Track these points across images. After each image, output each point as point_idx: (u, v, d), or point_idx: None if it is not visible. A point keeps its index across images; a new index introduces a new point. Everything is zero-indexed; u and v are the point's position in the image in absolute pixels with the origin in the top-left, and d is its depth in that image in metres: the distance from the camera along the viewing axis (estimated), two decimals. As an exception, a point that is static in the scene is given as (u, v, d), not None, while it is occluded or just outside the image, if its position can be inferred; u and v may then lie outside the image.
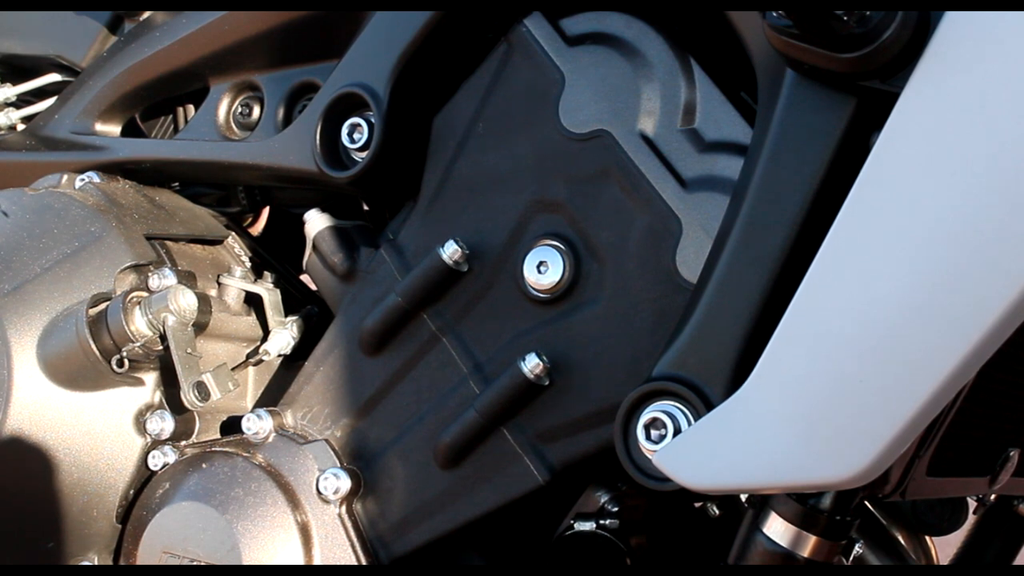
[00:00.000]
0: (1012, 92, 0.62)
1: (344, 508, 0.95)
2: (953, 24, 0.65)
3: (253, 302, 1.13)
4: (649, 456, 0.78)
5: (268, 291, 1.12)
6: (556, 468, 0.89)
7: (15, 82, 1.36)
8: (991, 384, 0.84)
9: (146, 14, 1.22)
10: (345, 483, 0.95)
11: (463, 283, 0.94)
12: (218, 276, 1.12)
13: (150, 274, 1.05)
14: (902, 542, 1.23)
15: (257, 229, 1.33)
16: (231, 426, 1.06)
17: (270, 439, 0.99)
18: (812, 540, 0.80)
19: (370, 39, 0.99)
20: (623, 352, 0.86)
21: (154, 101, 1.22)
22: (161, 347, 1.01)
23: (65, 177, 1.14)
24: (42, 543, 1.03)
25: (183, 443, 1.04)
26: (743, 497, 0.92)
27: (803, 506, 0.80)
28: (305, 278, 1.14)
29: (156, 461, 1.03)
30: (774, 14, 0.69)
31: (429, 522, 0.93)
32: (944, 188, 0.63)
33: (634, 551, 1.04)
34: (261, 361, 1.09)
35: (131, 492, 1.03)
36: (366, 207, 1.19)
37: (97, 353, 0.99)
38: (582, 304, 0.88)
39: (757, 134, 0.76)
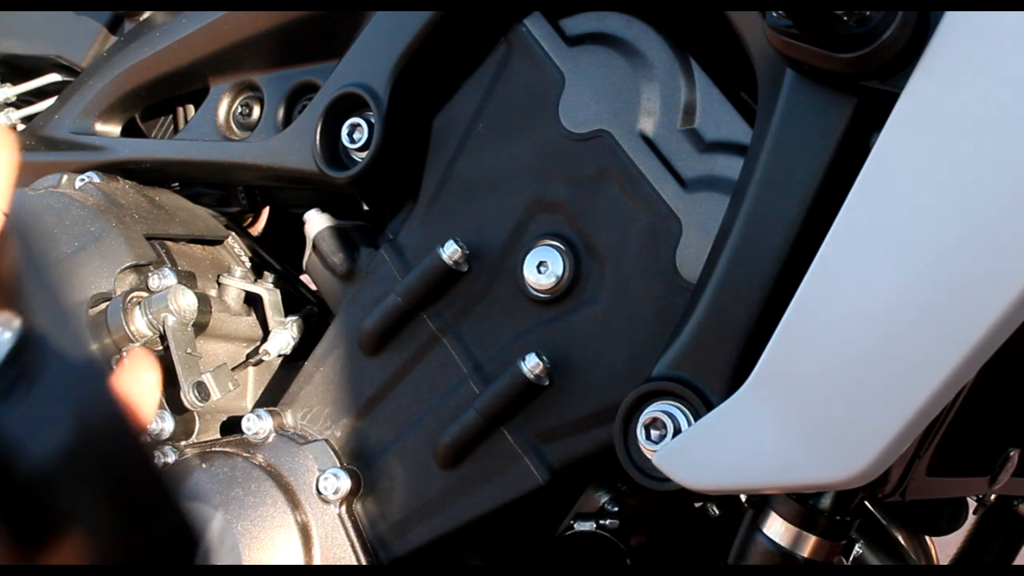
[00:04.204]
0: (1012, 92, 0.62)
1: (344, 508, 0.95)
2: (953, 24, 0.65)
3: (253, 302, 1.13)
4: (649, 456, 0.78)
5: (268, 291, 1.12)
6: (556, 468, 0.89)
7: (15, 82, 1.36)
8: (991, 384, 0.84)
9: (146, 14, 1.22)
10: (345, 483, 0.95)
11: (463, 283, 0.94)
12: (218, 276, 1.13)
13: (150, 274, 1.05)
14: (902, 542, 1.23)
15: (257, 229, 1.33)
16: (231, 426, 1.06)
17: (270, 439, 0.99)
18: (812, 540, 0.80)
19: (370, 39, 0.99)
20: (623, 352, 0.86)
21: (154, 101, 1.22)
22: (161, 347, 1.01)
23: (65, 177, 1.14)
24: (42, 543, 1.03)
25: (183, 443, 1.04)
26: (743, 497, 0.92)
27: (803, 506, 0.80)
28: (305, 278, 1.14)
29: (156, 461, 1.02)
30: (774, 14, 0.69)
31: (429, 522, 0.93)
32: (944, 188, 0.63)
33: (634, 551, 1.04)
34: (261, 361, 1.09)
35: (131, 492, 1.03)
36: (366, 207, 1.19)
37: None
38: (582, 304, 0.88)
39: (757, 134, 0.76)
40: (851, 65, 0.68)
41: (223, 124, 1.16)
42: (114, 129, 1.22)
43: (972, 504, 1.27)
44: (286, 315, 1.12)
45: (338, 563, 0.94)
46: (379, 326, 0.96)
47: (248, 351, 1.10)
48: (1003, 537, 1.29)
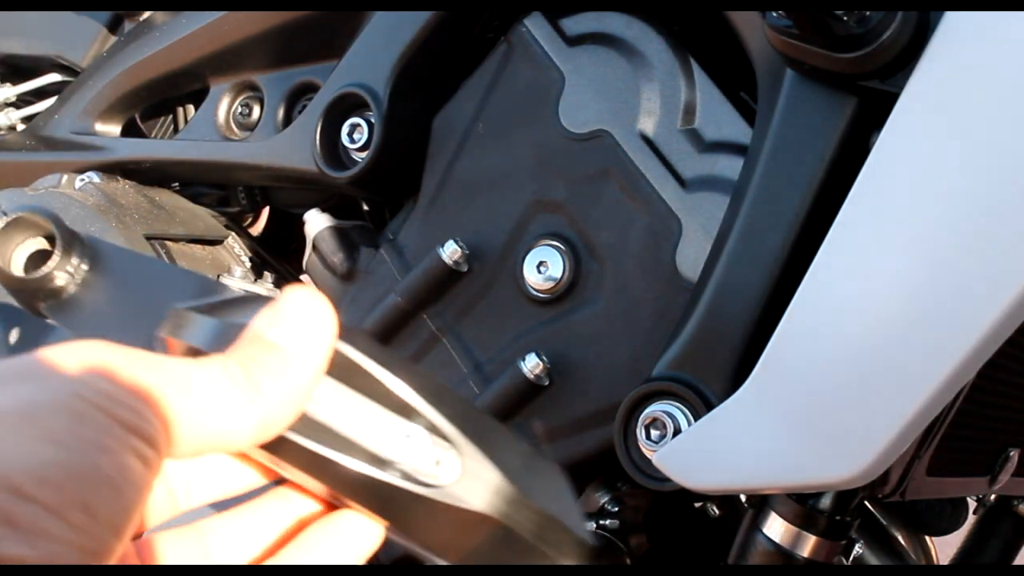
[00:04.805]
0: (1012, 92, 0.62)
1: (344, 508, 0.95)
2: (953, 24, 0.65)
3: (253, 302, 1.13)
4: (649, 456, 0.78)
5: (268, 291, 1.12)
6: (556, 468, 0.89)
7: (15, 82, 1.36)
8: (991, 384, 0.84)
9: (146, 14, 1.22)
10: (345, 483, 0.94)
11: (463, 283, 0.94)
12: (218, 276, 1.12)
13: (150, 274, 1.05)
14: (902, 542, 1.23)
15: (257, 229, 1.33)
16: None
17: (270, 439, 0.99)
18: (812, 540, 0.80)
19: (370, 39, 0.99)
20: (623, 352, 0.86)
21: (154, 101, 1.22)
22: (161, 347, 1.01)
23: (65, 177, 1.14)
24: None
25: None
26: (743, 497, 0.92)
27: (803, 506, 0.80)
28: (305, 278, 1.14)
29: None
30: (774, 14, 0.69)
31: (429, 522, 0.93)
32: (944, 188, 0.63)
33: (634, 551, 1.04)
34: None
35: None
36: (366, 207, 1.19)
37: (97, 353, 0.99)
38: (582, 304, 0.88)
39: (757, 134, 0.76)
40: (851, 65, 0.68)
41: (223, 124, 1.16)
42: (114, 129, 1.22)
43: (972, 504, 1.27)
44: (286, 315, 1.11)
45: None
46: (379, 326, 0.96)
47: (248, 351, 1.10)
48: (1003, 537, 1.28)
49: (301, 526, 0.44)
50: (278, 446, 0.40)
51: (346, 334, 0.41)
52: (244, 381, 0.38)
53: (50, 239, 0.51)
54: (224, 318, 0.42)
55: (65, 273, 0.51)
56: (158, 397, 0.36)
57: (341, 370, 0.41)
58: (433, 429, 0.41)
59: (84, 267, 0.51)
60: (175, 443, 0.36)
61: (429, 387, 0.41)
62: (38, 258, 0.52)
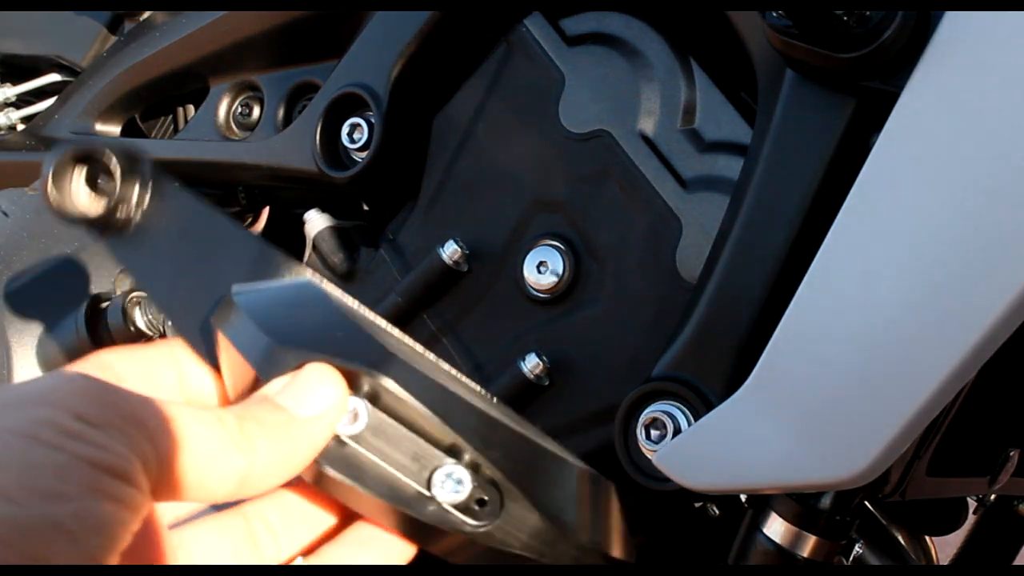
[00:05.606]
0: (1012, 92, 0.62)
1: (344, 508, 0.95)
2: (953, 24, 0.65)
3: (253, 302, 1.13)
4: (649, 456, 0.78)
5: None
6: (556, 468, 0.89)
7: (15, 82, 1.36)
8: (991, 384, 0.84)
9: (146, 14, 1.22)
10: (345, 483, 0.94)
11: (463, 283, 0.94)
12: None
13: (150, 274, 1.05)
14: (902, 542, 1.23)
15: (257, 229, 1.33)
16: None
17: (270, 439, 0.99)
18: (812, 540, 0.80)
19: (370, 39, 0.99)
20: (623, 352, 0.86)
21: (154, 101, 1.22)
22: (161, 347, 1.01)
23: (65, 177, 1.14)
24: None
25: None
26: (743, 497, 0.92)
27: (803, 506, 0.80)
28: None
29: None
30: (774, 14, 0.69)
31: (429, 522, 0.93)
32: (944, 188, 0.63)
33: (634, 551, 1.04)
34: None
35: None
36: (366, 207, 1.19)
37: (97, 353, 1.00)
38: (582, 304, 0.88)
39: (757, 134, 0.76)
40: (851, 65, 0.68)
41: (223, 124, 1.16)
42: (114, 129, 1.22)
43: (972, 504, 1.27)
44: (286, 315, 1.11)
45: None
46: (379, 326, 0.96)
47: (248, 351, 1.10)
48: (1003, 537, 1.29)
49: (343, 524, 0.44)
50: (318, 479, 0.41)
51: (406, 352, 0.42)
52: (236, 433, 0.38)
53: (107, 167, 0.48)
54: (280, 324, 0.42)
55: (129, 203, 0.48)
56: (133, 431, 0.35)
57: (389, 405, 0.41)
58: (477, 469, 0.41)
59: (147, 196, 0.49)
60: (154, 481, 0.35)
61: (478, 424, 0.42)
62: (99, 190, 0.49)
